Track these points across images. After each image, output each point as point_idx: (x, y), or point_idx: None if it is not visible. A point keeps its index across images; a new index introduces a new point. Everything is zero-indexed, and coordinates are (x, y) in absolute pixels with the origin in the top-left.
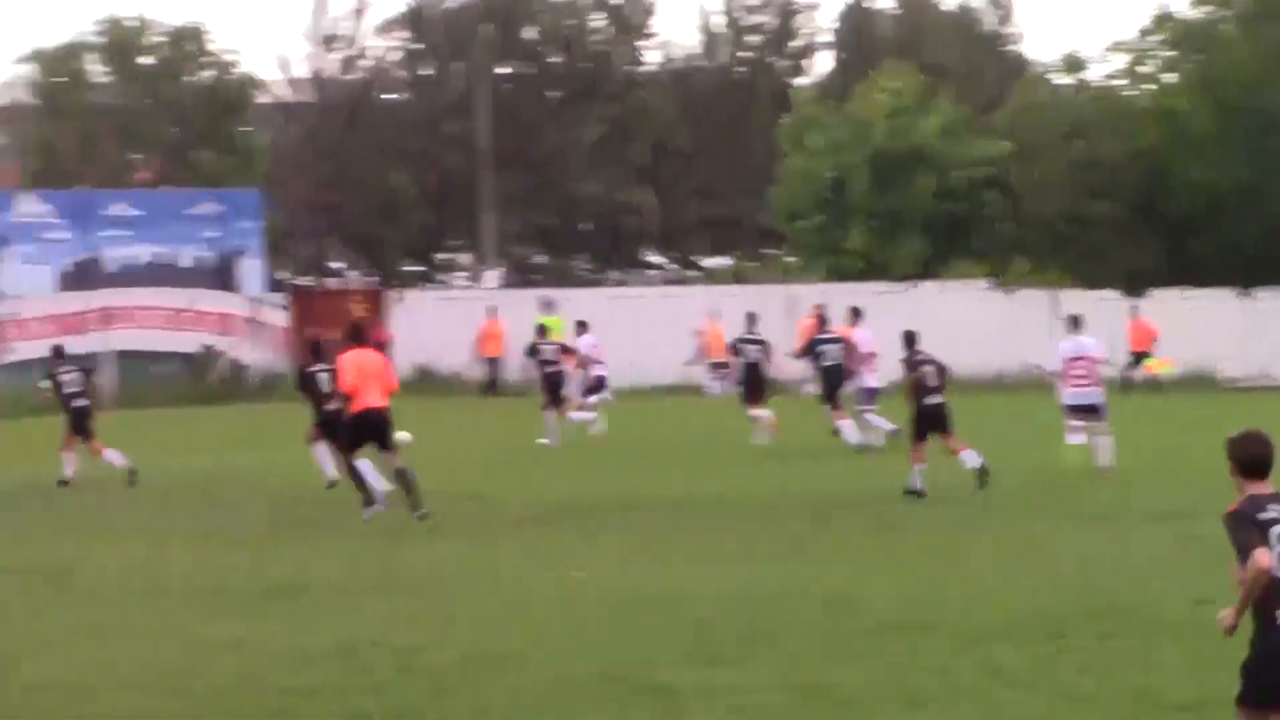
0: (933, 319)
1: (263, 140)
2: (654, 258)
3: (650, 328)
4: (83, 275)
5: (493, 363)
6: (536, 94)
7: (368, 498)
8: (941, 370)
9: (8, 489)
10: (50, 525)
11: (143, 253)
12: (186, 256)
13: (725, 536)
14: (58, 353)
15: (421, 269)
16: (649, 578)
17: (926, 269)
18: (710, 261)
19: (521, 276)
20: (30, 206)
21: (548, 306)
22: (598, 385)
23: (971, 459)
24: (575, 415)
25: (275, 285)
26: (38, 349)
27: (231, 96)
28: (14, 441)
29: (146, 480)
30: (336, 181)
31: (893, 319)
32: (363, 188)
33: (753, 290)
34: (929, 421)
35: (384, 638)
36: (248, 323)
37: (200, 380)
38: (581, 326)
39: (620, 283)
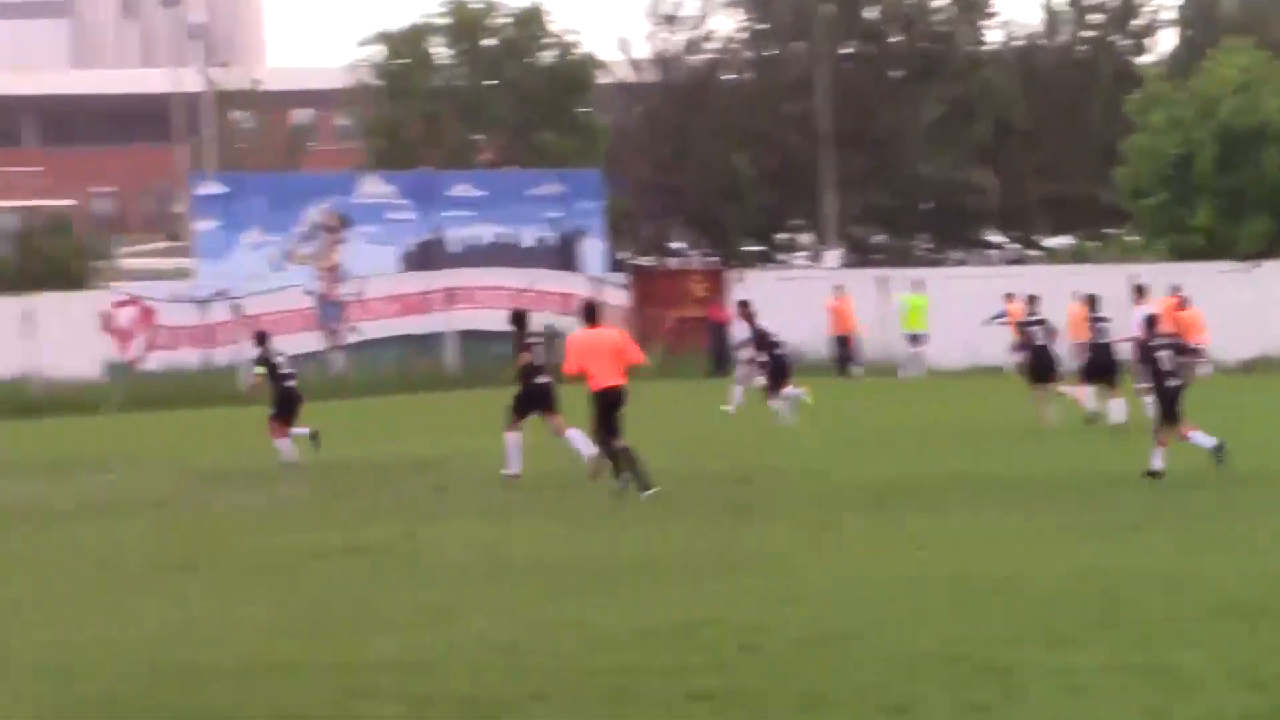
0: (1275, 298)
1: (604, 121)
2: (995, 237)
3: (986, 308)
4: (426, 256)
5: (842, 341)
6: (877, 74)
7: (642, 480)
8: (1180, 351)
9: (357, 469)
10: (397, 505)
11: (485, 233)
12: (528, 237)
13: (1062, 516)
14: (262, 338)
15: (762, 249)
16: (989, 557)
17: (1271, 248)
18: (1052, 241)
19: (861, 256)
20: (374, 187)
21: (918, 285)
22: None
23: (1201, 439)
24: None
25: (616, 265)
26: (383, 329)
27: (573, 77)
28: (361, 421)
29: (488, 460)
30: (677, 161)
31: (1236, 298)
32: (704, 168)
33: (1092, 270)
34: (1169, 403)
35: (725, 616)
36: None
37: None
38: (744, 306)
39: (960, 262)
